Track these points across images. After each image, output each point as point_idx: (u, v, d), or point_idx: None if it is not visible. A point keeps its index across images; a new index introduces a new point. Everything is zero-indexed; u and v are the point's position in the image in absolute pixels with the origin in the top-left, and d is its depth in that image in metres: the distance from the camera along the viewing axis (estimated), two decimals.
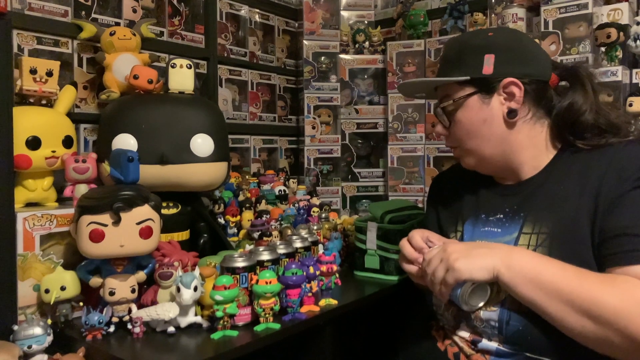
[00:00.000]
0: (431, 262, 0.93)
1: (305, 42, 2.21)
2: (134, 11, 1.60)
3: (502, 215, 1.01)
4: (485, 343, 0.95)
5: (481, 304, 0.93)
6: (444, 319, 1.04)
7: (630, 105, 1.53)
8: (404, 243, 1.05)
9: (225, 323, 1.03)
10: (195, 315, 1.07)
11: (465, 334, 0.99)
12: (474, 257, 0.87)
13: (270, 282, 1.05)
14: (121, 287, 1.07)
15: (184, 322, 1.05)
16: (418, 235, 1.03)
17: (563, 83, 1.02)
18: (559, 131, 0.99)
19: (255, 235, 1.51)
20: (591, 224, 0.88)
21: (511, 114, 0.96)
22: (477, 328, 0.96)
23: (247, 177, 1.91)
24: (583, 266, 0.85)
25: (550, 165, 0.99)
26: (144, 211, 1.07)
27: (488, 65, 0.96)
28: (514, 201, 1.01)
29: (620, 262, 0.83)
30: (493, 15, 1.97)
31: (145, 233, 1.07)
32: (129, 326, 1.04)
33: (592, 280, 0.81)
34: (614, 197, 0.87)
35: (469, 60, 0.99)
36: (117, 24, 1.55)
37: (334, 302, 1.22)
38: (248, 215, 1.63)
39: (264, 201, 1.72)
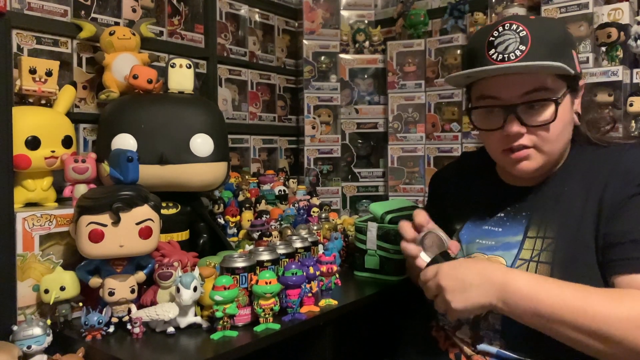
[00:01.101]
0: (429, 288, 0.90)
1: (305, 41, 2.21)
2: (134, 11, 1.60)
3: (503, 214, 1.00)
4: (485, 346, 0.94)
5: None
6: (445, 319, 1.04)
7: (631, 105, 1.53)
8: (403, 223, 1.01)
9: (225, 323, 1.03)
10: (195, 315, 1.07)
11: (466, 335, 0.99)
12: (469, 293, 0.84)
13: (270, 283, 1.05)
14: (121, 287, 1.07)
15: (184, 322, 1.05)
16: (422, 216, 0.99)
17: None
18: (578, 129, 0.97)
19: (255, 235, 1.50)
20: (595, 228, 0.87)
21: (578, 116, 0.94)
22: (479, 331, 0.96)
23: (247, 177, 1.91)
24: (587, 271, 0.85)
25: (559, 167, 0.98)
26: (144, 211, 1.07)
27: (576, 62, 0.91)
28: (515, 199, 0.99)
29: (624, 270, 0.82)
30: (494, 15, 1.96)
31: (145, 233, 1.07)
32: (129, 326, 1.03)
33: (595, 298, 0.78)
34: (618, 201, 0.86)
35: (566, 51, 0.89)
36: (117, 23, 1.55)
37: (334, 302, 1.22)
38: (248, 216, 1.63)
39: (263, 201, 1.72)
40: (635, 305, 0.76)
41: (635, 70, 1.61)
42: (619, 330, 0.75)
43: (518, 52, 0.86)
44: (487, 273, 0.84)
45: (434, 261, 0.91)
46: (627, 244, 0.82)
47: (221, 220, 1.60)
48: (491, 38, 0.89)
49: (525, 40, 0.86)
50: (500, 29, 0.89)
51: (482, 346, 0.95)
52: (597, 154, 0.93)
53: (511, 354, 0.91)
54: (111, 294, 1.06)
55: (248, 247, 1.40)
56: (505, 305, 0.82)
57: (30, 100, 1.25)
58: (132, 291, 1.08)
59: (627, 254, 0.82)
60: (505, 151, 0.93)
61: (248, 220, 1.60)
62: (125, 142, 1.26)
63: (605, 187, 0.88)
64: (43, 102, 1.26)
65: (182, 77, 1.41)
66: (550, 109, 0.88)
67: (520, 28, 0.87)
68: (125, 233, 1.05)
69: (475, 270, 0.85)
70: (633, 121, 1.53)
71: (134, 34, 1.47)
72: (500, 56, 0.88)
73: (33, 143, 1.17)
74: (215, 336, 1.01)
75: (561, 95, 0.88)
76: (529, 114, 0.89)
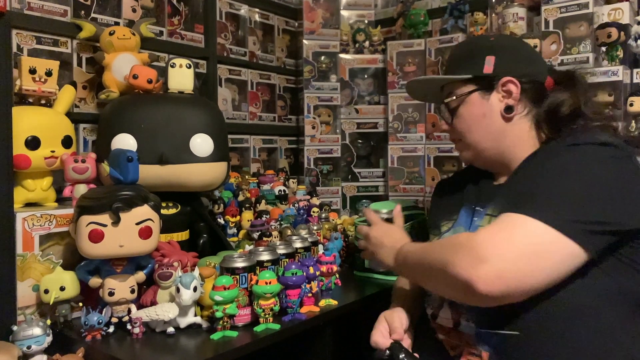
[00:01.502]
0: (365, 240, 1.20)
1: (305, 41, 2.21)
2: (134, 11, 1.60)
3: (478, 206, 1.08)
4: (464, 326, 0.97)
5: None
6: (430, 299, 1.07)
7: (631, 105, 1.52)
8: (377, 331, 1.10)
9: (225, 324, 1.03)
10: (195, 315, 1.07)
11: (446, 317, 1.02)
12: (379, 253, 1.14)
13: (270, 283, 1.05)
14: (120, 287, 1.07)
15: (184, 322, 1.05)
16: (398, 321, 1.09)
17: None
18: (539, 124, 1.05)
19: (255, 235, 1.50)
20: None
21: (508, 109, 1.04)
22: (458, 308, 0.99)
23: (246, 177, 1.91)
24: None
25: (524, 163, 1.03)
26: (144, 211, 1.07)
27: (489, 65, 1.05)
28: (490, 196, 1.06)
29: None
30: (494, 15, 1.96)
31: (145, 233, 1.07)
32: (129, 327, 1.03)
33: (434, 244, 0.99)
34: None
35: (472, 60, 1.07)
36: (117, 23, 1.55)
37: (334, 302, 1.22)
38: (248, 216, 1.63)
39: (263, 201, 1.72)
40: (449, 238, 0.96)
41: (635, 70, 1.61)
42: (437, 262, 0.90)
43: (444, 68, 1.20)
44: (393, 241, 1.12)
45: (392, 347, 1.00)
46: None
47: (221, 220, 1.60)
48: None
49: (448, 59, 1.19)
50: None
51: (462, 326, 0.97)
52: (549, 150, 0.98)
53: (488, 330, 0.92)
54: (111, 294, 1.06)
55: (248, 247, 1.40)
56: (397, 266, 1.08)
57: (30, 100, 1.25)
58: (132, 291, 1.08)
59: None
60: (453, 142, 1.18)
61: (248, 220, 1.60)
62: (125, 142, 1.26)
63: (525, 172, 1.00)
64: (43, 102, 1.26)
65: (182, 77, 1.41)
66: (457, 107, 1.09)
67: (453, 51, 1.19)
68: (125, 233, 1.05)
69: (390, 234, 1.16)
70: (633, 121, 1.53)
71: (133, 34, 1.47)
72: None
73: (33, 143, 1.17)
74: (215, 336, 1.01)
75: (459, 96, 1.07)
76: (443, 112, 1.13)
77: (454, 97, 1.08)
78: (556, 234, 0.81)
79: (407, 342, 1.03)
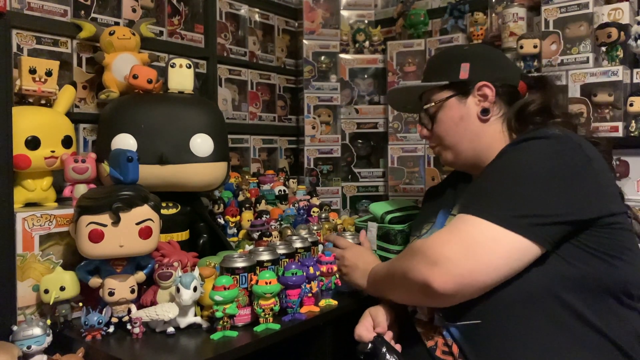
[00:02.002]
0: (340, 262, 1.26)
1: (305, 41, 2.21)
2: (134, 11, 1.60)
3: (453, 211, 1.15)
4: (437, 319, 1.00)
5: None
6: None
7: (631, 105, 1.52)
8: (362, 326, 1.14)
9: (225, 324, 1.03)
10: (195, 315, 1.07)
11: (423, 312, 1.04)
12: (353, 275, 1.21)
13: (270, 283, 1.05)
14: (120, 287, 1.07)
15: (184, 322, 1.05)
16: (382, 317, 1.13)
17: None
18: (510, 124, 1.09)
19: (255, 235, 1.50)
20: None
21: (484, 112, 1.09)
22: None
23: (246, 177, 1.91)
24: None
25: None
26: (144, 211, 1.07)
27: (464, 71, 1.12)
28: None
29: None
30: (494, 15, 1.96)
31: (145, 233, 1.07)
32: (129, 327, 1.03)
33: (396, 257, 1.07)
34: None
35: (448, 68, 1.14)
36: (117, 23, 1.55)
37: (334, 302, 1.22)
38: (248, 216, 1.63)
39: (263, 201, 1.72)
40: (408, 248, 1.02)
41: (635, 70, 1.61)
42: (399, 271, 0.97)
43: (422, 78, 1.25)
44: (366, 264, 1.19)
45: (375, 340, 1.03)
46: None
47: (221, 220, 1.60)
48: None
49: (425, 68, 1.25)
50: None
51: (436, 321, 1.00)
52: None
53: (456, 324, 0.94)
54: (111, 294, 1.06)
55: (248, 247, 1.40)
56: (368, 288, 1.16)
57: (30, 100, 1.25)
58: (132, 291, 1.08)
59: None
60: (431, 148, 1.23)
61: (248, 220, 1.60)
62: (125, 142, 1.26)
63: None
64: (43, 102, 1.26)
65: (182, 77, 1.41)
66: (435, 113, 1.14)
67: (429, 60, 1.30)
68: (125, 233, 1.05)
69: (361, 260, 1.22)
70: (633, 121, 1.53)
71: (133, 34, 1.47)
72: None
73: (33, 143, 1.17)
74: (215, 336, 1.01)
75: (437, 101, 1.13)
76: (423, 119, 1.18)
77: (433, 104, 1.14)
78: (501, 229, 0.85)
79: (389, 336, 1.06)
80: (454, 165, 1.19)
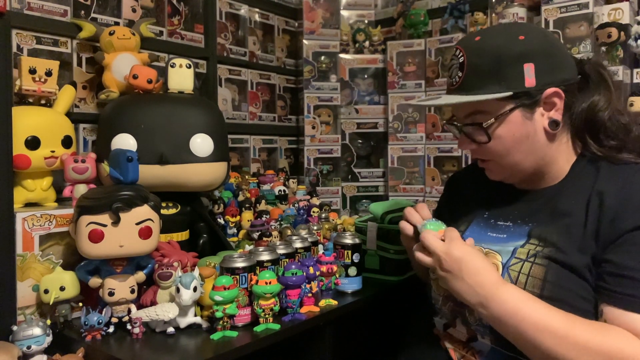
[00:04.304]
0: (432, 258, 0.92)
1: (305, 41, 2.21)
2: (134, 11, 1.60)
3: (510, 223, 0.99)
4: (480, 342, 0.95)
5: None
6: (442, 313, 1.04)
7: (631, 105, 1.53)
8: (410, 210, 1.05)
9: (225, 324, 1.02)
10: (195, 315, 1.06)
11: (461, 331, 0.99)
12: (459, 283, 0.88)
13: (270, 283, 1.05)
14: (120, 287, 1.07)
15: (184, 322, 1.05)
16: (426, 210, 1.05)
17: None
18: (577, 131, 0.96)
19: (255, 235, 1.50)
20: (593, 246, 0.87)
21: (553, 124, 0.92)
22: (471, 325, 0.96)
23: (246, 177, 1.91)
24: (579, 281, 0.85)
25: (566, 177, 0.97)
26: (144, 211, 1.07)
27: (529, 76, 0.89)
28: (524, 210, 0.99)
29: (616, 304, 0.82)
30: (494, 15, 1.96)
31: (145, 233, 1.07)
32: (129, 327, 1.03)
33: (579, 327, 0.80)
34: (620, 229, 0.84)
35: (508, 72, 0.89)
36: (117, 23, 1.55)
37: (333, 302, 1.22)
38: (248, 216, 1.63)
39: (263, 201, 1.72)
40: (616, 341, 0.78)
41: (635, 70, 1.61)
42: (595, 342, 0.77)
43: (457, 79, 0.94)
44: (480, 277, 0.87)
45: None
46: (624, 278, 0.82)
47: (221, 220, 1.60)
48: (450, 62, 0.99)
49: (462, 67, 0.93)
50: (453, 53, 0.97)
51: (477, 343, 0.95)
52: (606, 169, 0.92)
53: (503, 351, 0.90)
54: (111, 294, 1.06)
55: (248, 247, 1.40)
56: (487, 312, 0.86)
57: (30, 100, 1.25)
58: (132, 291, 1.08)
59: (622, 288, 0.82)
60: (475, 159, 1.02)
61: (248, 220, 1.60)
62: (125, 142, 1.26)
63: (608, 208, 0.87)
64: (43, 102, 1.26)
65: (182, 77, 1.41)
66: (482, 131, 0.92)
67: (461, 54, 0.94)
68: (125, 233, 1.05)
69: (474, 267, 0.87)
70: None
71: (133, 34, 1.47)
72: (449, 80, 0.97)
73: (33, 143, 1.17)
74: (215, 336, 1.01)
75: (498, 116, 0.91)
76: (474, 132, 0.95)
77: (492, 119, 0.91)
78: None
79: None
80: (504, 181, 1.01)
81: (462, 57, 0.93)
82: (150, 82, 1.37)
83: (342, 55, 2.26)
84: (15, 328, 0.99)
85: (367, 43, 2.29)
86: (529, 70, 0.89)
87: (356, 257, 1.29)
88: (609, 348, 0.77)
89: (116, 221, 1.04)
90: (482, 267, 0.87)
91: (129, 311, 1.06)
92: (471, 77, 0.92)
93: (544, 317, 0.81)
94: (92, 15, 1.50)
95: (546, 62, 0.90)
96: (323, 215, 1.74)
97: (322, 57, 2.23)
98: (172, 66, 1.40)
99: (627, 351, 0.77)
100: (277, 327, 1.06)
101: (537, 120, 0.92)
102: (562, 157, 0.96)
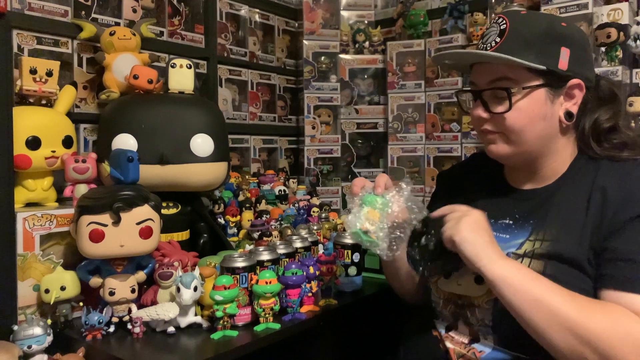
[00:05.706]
0: (452, 215, 0.91)
1: (305, 42, 2.21)
2: (134, 11, 1.60)
3: (511, 222, 0.99)
4: (482, 344, 0.95)
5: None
6: (442, 316, 1.04)
7: (631, 105, 1.53)
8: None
9: (225, 323, 1.03)
10: (195, 315, 1.07)
11: (464, 332, 0.99)
12: (473, 249, 0.85)
13: (270, 282, 1.05)
14: (121, 287, 1.07)
15: (184, 322, 1.05)
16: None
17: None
18: (582, 136, 0.97)
19: (255, 235, 1.51)
20: (593, 239, 0.88)
21: (567, 116, 0.93)
22: (473, 326, 0.96)
23: (247, 177, 1.91)
24: (578, 274, 0.86)
25: (566, 174, 0.98)
26: (144, 211, 1.08)
27: (564, 59, 0.91)
28: (524, 207, 0.99)
29: (616, 286, 0.83)
30: (493, 15, 1.96)
31: (145, 233, 1.07)
32: (129, 326, 1.04)
33: (580, 300, 0.81)
34: (620, 219, 0.86)
35: (547, 48, 0.91)
36: (117, 23, 1.55)
37: (334, 302, 1.22)
38: (248, 215, 1.63)
39: (263, 201, 1.72)
40: (615, 316, 0.79)
41: (634, 70, 1.62)
42: (593, 335, 0.77)
43: (493, 43, 0.93)
44: (494, 242, 0.87)
45: None
46: (621, 261, 0.83)
47: (221, 220, 1.60)
48: (485, 30, 1.00)
49: (503, 32, 0.93)
50: (492, 22, 0.98)
51: (479, 345, 0.95)
52: (607, 165, 0.93)
53: (506, 351, 0.90)
54: (112, 293, 1.06)
55: (248, 247, 1.40)
56: (492, 268, 0.84)
57: (31, 100, 1.25)
58: (133, 291, 1.08)
59: (619, 271, 0.83)
60: (480, 132, 0.99)
61: (248, 220, 1.60)
62: (125, 142, 1.26)
63: (609, 202, 0.88)
64: (43, 102, 1.27)
65: (182, 77, 1.41)
66: (516, 99, 0.91)
67: (503, 21, 0.94)
68: (126, 233, 1.05)
69: (491, 242, 0.87)
70: (632, 121, 1.53)
71: (134, 34, 1.47)
72: (481, 46, 0.96)
73: (33, 143, 1.17)
74: (216, 336, 1.01)
75: (524, 87, 0.91)
76: (493, 101, 0.94)
77: (518, 88, 0.91)
78: None
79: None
80: (502, 159, 1.00)
81: (505, 25, 0.93)
82: (150, 82, 1.37)
83: (342, 56, 2.27)
84: (16, 328, 0.99)
85: (367, 43, 2.30)
86: (565, 54, 0.91)
87: (356, 257, 1.29)
88: (609, 320, 0.78)
89: (117, 221, 1.04)
90: (493, 245, 0.87)
91: (130, 311, 1.07)
92: (510, 42, 0.91)
93: (548, 288, 0.81)
94: (93, 15, 1.50)
95: (580, 53, 0.93)
96: (323, 215, 1.74)
97: (322, 58, 2.23)
98: (172, 66, 1.40)
99: (623, 323, 0.78)
100: (277, 326, 1.06)
101: (556, 106, 0.93)
102: (563, 154, 0.97)
